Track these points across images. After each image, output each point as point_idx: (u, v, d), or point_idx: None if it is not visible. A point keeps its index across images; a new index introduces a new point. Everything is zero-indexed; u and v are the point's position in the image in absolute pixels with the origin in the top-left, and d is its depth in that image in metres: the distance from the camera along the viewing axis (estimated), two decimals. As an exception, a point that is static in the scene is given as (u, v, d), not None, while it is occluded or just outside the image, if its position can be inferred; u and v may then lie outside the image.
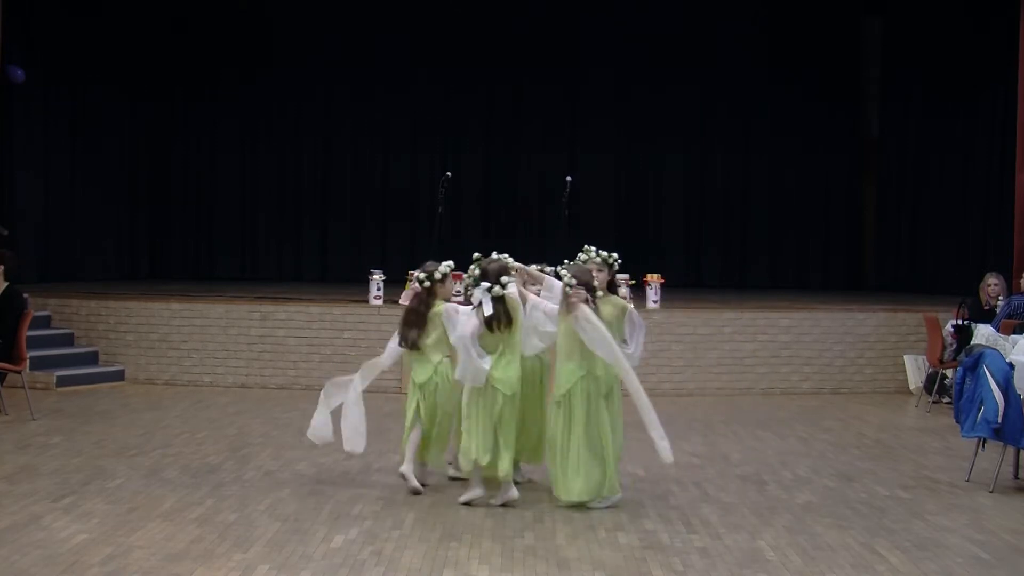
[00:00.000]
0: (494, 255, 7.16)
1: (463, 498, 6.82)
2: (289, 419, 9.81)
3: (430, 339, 7.20)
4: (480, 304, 6.81)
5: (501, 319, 6.78)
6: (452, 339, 6.93)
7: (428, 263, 7.32)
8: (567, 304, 6.77)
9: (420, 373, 7.18)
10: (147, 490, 7.00)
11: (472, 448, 6.78)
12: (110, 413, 10.00)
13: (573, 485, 6.71)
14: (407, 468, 7.06)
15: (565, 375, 6.81)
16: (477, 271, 6.99)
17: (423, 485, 7.10)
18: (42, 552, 5.63)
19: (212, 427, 9.37)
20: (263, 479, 7.39)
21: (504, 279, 6.82)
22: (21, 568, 5.37)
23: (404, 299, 7.27)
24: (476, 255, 7.17)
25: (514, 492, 6.81)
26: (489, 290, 6.78)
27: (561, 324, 6.87)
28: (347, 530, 6.17)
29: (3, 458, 7.87)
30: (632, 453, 7.72)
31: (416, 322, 7.21)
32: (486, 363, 6.73)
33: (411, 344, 7.23)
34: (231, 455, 8.16)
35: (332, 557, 5.66)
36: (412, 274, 7.44)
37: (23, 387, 9.76)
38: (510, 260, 7.16)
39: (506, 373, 6.79)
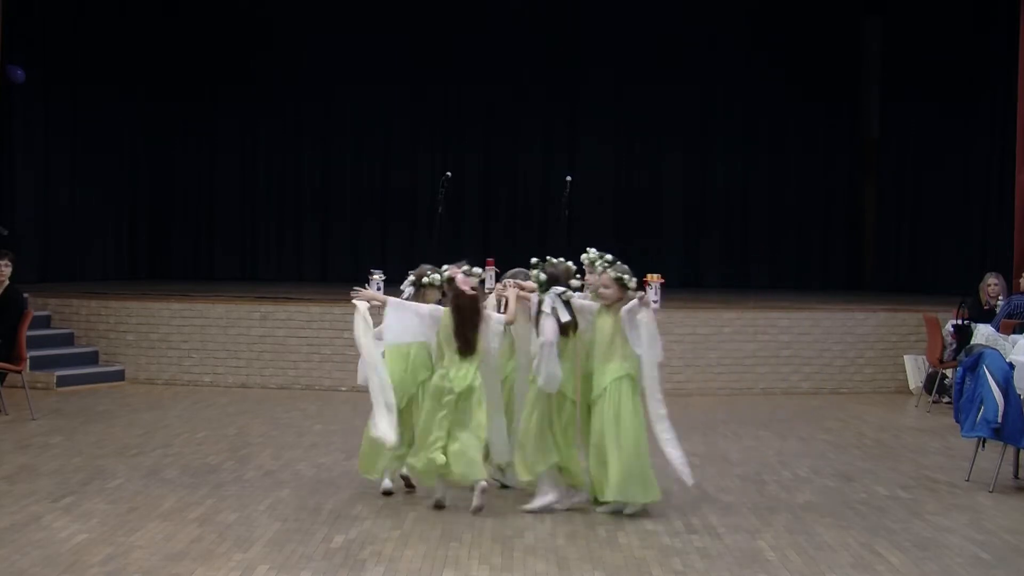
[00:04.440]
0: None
1: (532, 506, 6.63)
2: (289, 419, 9.81)
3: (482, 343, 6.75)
4: (553, 310, 6.65)
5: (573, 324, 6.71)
6: (536, 343, 6.62)
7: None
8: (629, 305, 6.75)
9: (461, 379, 6.61)
10: (147, 490, 7.00)
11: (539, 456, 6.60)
12: (110, 413, 10.00)
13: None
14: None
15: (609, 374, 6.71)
16: (544, 276, 6.79)
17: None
18: (42, 552, 5.62)
19: (212, 427, 9.37)
20: (263, 479, 7.39)
21: (573, 283, 6.78)
22: (21, 568, 5.37)
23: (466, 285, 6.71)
24: (534, 260, 6.98)
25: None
26: (562, 295, 6.72)
27: (602, 322, 6.82)
28: (347, 530, 6.16)
29: (3, 458, 7.87)
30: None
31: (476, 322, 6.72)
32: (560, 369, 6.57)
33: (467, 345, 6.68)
34: (231, 455, 8.15)
35: (332, 557, 5.66)
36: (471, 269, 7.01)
37: (23, 387, 9.75)
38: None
39: (572, 378, 6.71)
